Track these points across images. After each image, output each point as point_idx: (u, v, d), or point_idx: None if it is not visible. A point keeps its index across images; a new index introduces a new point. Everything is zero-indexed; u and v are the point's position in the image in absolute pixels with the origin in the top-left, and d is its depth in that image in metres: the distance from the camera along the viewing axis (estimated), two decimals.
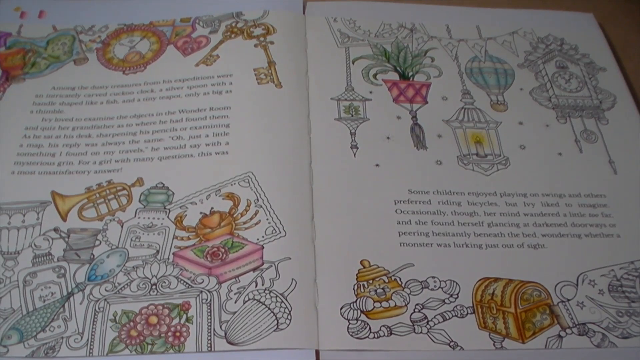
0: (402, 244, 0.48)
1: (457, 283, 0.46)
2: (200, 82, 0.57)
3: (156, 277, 0.45)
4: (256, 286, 0.45)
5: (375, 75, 0.59)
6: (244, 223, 0.48)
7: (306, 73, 0.58)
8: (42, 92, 0.57)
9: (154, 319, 0.43)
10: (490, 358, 0.43)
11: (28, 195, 0.50)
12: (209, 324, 0.43)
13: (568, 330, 0.45)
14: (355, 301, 0.45)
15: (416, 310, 0.45)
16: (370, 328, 0.44)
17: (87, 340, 0.43)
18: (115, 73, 0.59)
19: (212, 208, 0.49)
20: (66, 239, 0.48)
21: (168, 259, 0.46)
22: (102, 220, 0.49)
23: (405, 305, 0.45)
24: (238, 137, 0.53)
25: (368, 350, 0.43)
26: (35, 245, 0.47)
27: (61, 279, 0.46)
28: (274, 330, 0.43)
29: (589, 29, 0.64)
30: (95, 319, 0.44)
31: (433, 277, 0.46)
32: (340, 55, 0.60)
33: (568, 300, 0.46)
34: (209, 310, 0.44)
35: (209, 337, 0.43)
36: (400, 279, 0.46)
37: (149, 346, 0.42)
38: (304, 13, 0.63)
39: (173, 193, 0.50)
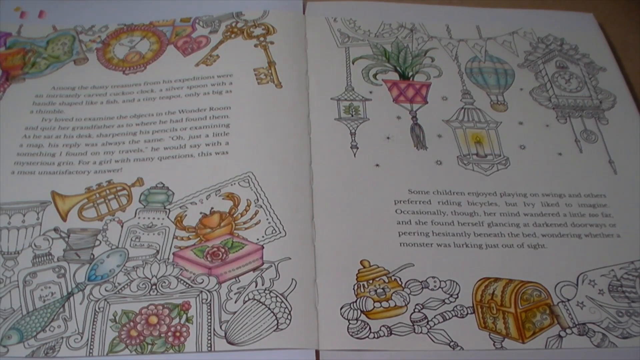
0: (402, 244, 0.48)
1: (457, 283, 0.46)
2: (200, 82, 0.57)
3: (156, 277, 0.45)
4: (256, 286, 0.45)
5: (375, 75, 0.59)
6: (244, 223, 0.48)
7: (306, 73, 0.58)
8: (42, 92, 0.57)
9: (154, 319, 0.43)
10: (490, 358, 0.43)
11: (28, 195, 0.50)
12: (209, 324, 0.43)
13: (568, 330, 0.45)
14: (355, 301, 0.45)
15: (416, 310, 0.45)
16: (370, 328, 0.44)
17: (87, 340, 0.43)
18: (115, 73, 0.59)
19: (212, 208, 0.49)
20: (66, 239, 0.48)
21: (168, 259, 0.46)
22: (102, 220, 0.49)
23: (405, 305, 0.45)
24: (238, 137, 0.53)
25: (368, 350, 0.43)
26: (35, 245, 0.47)
27: (61, 279, 0.46)
28: (274, 330, 0.43)
29: (589, 29, 0.64)
30: (95, 319, 0.44)
31: (433, 277, 0.46)
32: (340, 55, 0.60)
33: (568, 300, 0.46)
34: (209, 310, 0.44)
35: (209, 337, 0.43)
36: (400, 279, 0.46)
37: (149, 346, 0.42)
38: (304, 13, 0.63)
39: (173, 193, 0.50)
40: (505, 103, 0.58)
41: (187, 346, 0.42)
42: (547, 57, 0.62)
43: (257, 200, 0.49)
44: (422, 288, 0.46)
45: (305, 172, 0.51)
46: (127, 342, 0.43)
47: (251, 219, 0.48)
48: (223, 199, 0.50)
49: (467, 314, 0.45)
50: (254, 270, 0.46)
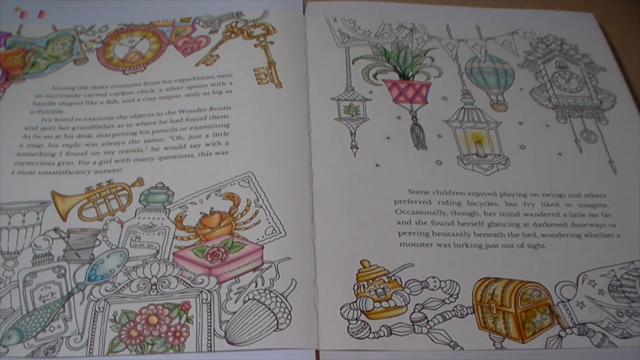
0: (402, 244, 0.48)
1: (457, 283, 0.46)
2: (200, 82, 0.57)
3: (156, 277, 0.45)
4: (256, 286, 0.45)
5: (375, 75, 0.59)
6: (244, 223, 0.48)
7: (306, 73, 0.58)
8: (42, 92, 0.57)
9: (154, 319, 0.43)
10: (490, 358, 0.43)
11: (28, 195, 0.50)
12: (209, 324, 0.43)
13: (568, 330, 0.45)
14: (355, 301, 0.45)
15: (416, 310, 0.45)
16: (370, 328, 0.44)
17: (87, 340, 0.43)
18: (115, 73, 0.59)
19: (212, 208, 0.49)
20: (66, 239, 0.48)
21: (168, 259, 0.46)
22: (102, 220, 0.49)
23: (405, 305, 0.45)
24: (238, 137, 0.53)
25: (368, 350, 0.43)
26: (35, 245, 0.47)
27: (61, 279, 0.46)
28: (274, 330, 0.43)
29: (589, 29, 0.64)
30: (95, 319, 0.44)
31: (433, 277, 0.46)
32: (340, 55, 0.60)
33: (568, 300, 0.46)
34: (209, 310, 0.44)
35: (209, 337, 0.43)
36: (400, 279, 0.46)
37: (149, 346, 0.42)
38: (304, 13, 0.63)
39: (173, 193, 0.50)
40: (505, 103, 0.58)
41: (187, 346, 0.42)
42: (547, 57, 0.62)
43: (257, 200, 0.49)
44: (422, 288, 0.46)
45: (305, 172, 0.51)
46: (127, 342, 0.43)
47: (251, 219, 0.48)
48: (223, 199, 0.50)
49: (467, 314, 0.45)
50: (254, 270, 0.46)
